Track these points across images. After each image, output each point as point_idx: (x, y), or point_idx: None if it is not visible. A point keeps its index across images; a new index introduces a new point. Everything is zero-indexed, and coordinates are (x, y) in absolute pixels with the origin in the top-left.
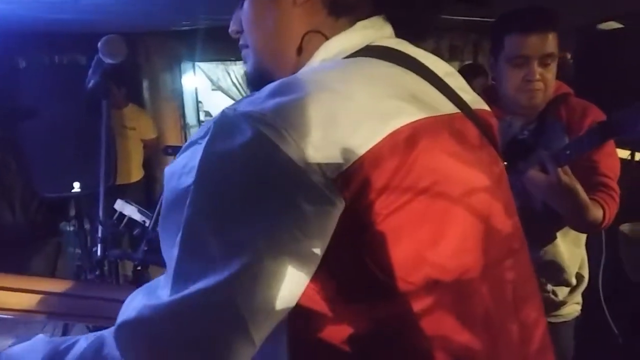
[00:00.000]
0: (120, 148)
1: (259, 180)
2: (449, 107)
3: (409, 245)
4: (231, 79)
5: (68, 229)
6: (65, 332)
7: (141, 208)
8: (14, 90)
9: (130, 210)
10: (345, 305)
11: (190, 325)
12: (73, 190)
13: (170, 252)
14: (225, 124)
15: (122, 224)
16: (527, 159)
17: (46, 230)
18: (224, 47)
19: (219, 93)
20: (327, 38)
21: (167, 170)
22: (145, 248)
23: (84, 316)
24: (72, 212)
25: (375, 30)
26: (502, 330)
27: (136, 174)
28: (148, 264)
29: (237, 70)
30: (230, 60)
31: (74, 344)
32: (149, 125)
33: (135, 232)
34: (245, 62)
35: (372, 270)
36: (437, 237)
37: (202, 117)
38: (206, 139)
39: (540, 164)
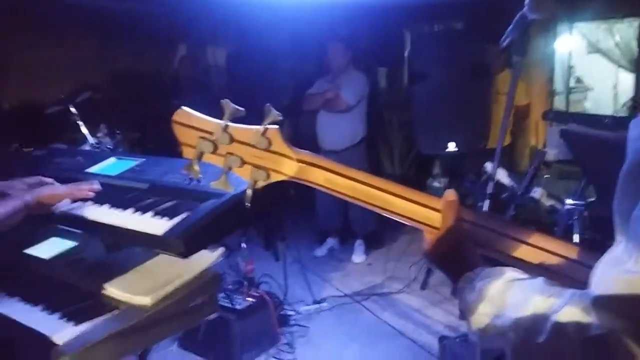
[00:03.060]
0: (492, 113)
1: None
2: None
3: None
4: (614, 39)
5: (434, 184)
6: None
7: (511, 173)
8: (404, 58)
9: (500, 174)
10: None
11: None
12: (448, 150)
13: (632, 213)
14: None
15: (488, 187)
16: None
17: (415, 184)
18: (608, 4)
19: (595, 56)
20: None
21: (636, 122)
22: (513, 213)
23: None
24: (436, 170)
25: None
26: None
27: (504, 139)
28: None
29: (622, 29)
30: (616, 18)
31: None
32: (522, 91)
33: (504, 195)
34: None
35: None
36: None
37: (572, 84)
38: None
39: None
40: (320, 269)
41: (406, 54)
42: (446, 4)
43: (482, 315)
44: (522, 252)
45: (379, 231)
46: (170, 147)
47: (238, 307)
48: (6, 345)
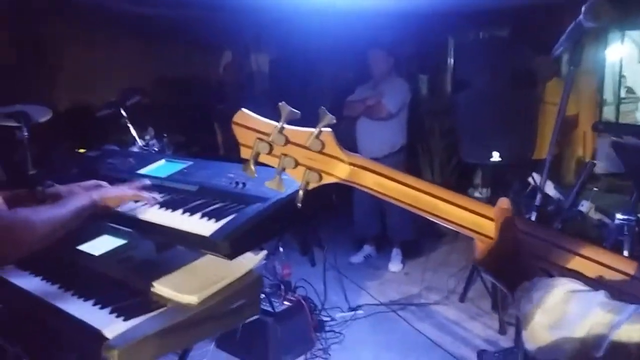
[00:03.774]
0: (539, 123)
1: None
2: None
3: None
4: None
5: (476, 195)
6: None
7: (557, 185)
8: (446, 65)
9: (547, 186)
10: None
11: None
12: (492, 159)
13: None
14: None
15: (536, 199)
16: None
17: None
18: None
19: None
20: None
21: None
22: (560, 226)
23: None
24: (477, 180)
25: None
26: None
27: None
28: None
29: None
30: None
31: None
32: (570, 101)
33: (550, 208)
34: None
35: None
36: None
37: (622, 94)
38: None
39: None
40: (356, 276)
41: (450, 61)
42: (491, 11)
43: (539, 325)
44: (578, 264)
45: (417, 240)
46: (213, 151)
47: (276, 310)
48: (57, 336)
